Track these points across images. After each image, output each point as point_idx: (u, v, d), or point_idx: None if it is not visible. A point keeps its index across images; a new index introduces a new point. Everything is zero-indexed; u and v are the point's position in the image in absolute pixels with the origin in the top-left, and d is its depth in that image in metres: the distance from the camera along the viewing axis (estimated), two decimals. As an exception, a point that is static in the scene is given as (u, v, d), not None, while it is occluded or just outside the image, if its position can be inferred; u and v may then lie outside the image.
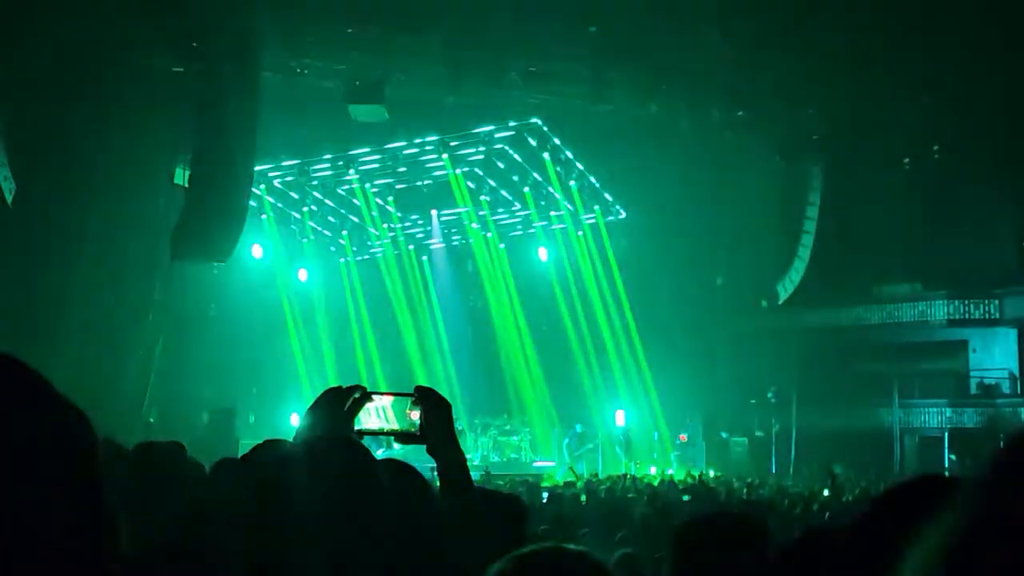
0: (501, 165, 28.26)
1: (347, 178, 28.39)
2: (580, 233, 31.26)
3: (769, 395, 27.44)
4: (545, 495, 13.19)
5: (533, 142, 26.99)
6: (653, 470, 25.74)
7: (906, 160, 24.99)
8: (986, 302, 27.98)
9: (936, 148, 25.31)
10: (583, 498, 12.99)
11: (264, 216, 28.23)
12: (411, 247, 33.48)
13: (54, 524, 0.95)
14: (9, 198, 18.59)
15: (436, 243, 32.60)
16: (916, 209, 26.69)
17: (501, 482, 16.05)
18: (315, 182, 28.63)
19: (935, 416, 27.92)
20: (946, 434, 27.34)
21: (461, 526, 2.49)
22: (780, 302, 26.93)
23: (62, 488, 0.97)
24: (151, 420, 23.85)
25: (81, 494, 0.99)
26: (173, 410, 22.63)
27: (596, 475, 21.55)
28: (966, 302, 28.11)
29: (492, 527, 2.60)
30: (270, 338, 28.44)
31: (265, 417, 27.34)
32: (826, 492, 15.74)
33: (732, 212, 30.00)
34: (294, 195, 29.07)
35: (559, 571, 1.59)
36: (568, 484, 17.71)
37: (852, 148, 24.12)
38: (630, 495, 13.10)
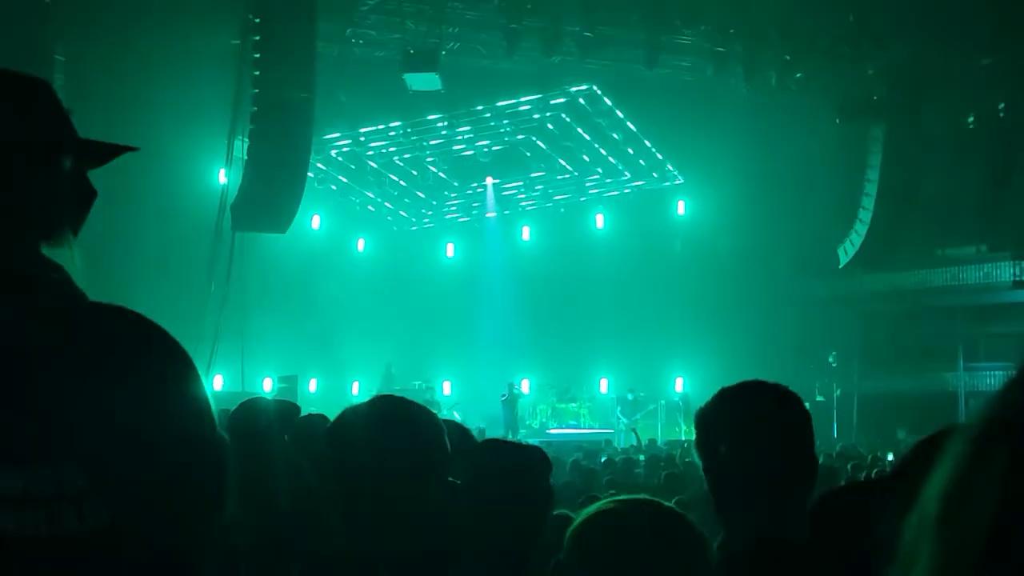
0: (557, 132, 28.20)
1: (403, 147, 28.51)
2: (637, 199, 31.15)
3: (830, 359, 27.18)
4: (604, 459, 13.23)
5: (589, 108, 26.88)
6: None
7: (970, 119, 24.47)
8: (1052, 263, 27.47)
9: (1001, 106, 24.75)
10: (640, 458, 13.00)
11: (323, 187, 28.45)
12: (467, 216, 33.60)
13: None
14: (72, 172, 18.91)
15: (492, 211, 32.66)
16: (981, 169, 26.18)
17: (553, 451, 16.06)
18: (371, 152, 28.77)
19: (1001, 379, 27.35)
20: (1012, 397, 26.89)
21: (482, 475, 2.53)
22: (841, 265, 26.58)
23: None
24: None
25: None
26: (237, 378, 23.00)
27: (655, 441, 21.57)
28: (1032, 263, 27.62)
29: (514, 477, 2.62)
30: (330, 307, 28.70)
31: (327, 385, 27.72)
32: (890, 457, 15.59)
33: (792, 175, 29.66)
34: (351, 165, 29.24)
35: (656, 518, 1.60)
36: (632, 449, 17.77)
37: (914, 107, 23.67)
38: (687, 460, 13.08)
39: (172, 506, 0.97)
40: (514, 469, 2.61)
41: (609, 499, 1.66)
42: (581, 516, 1.62)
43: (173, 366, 1.12)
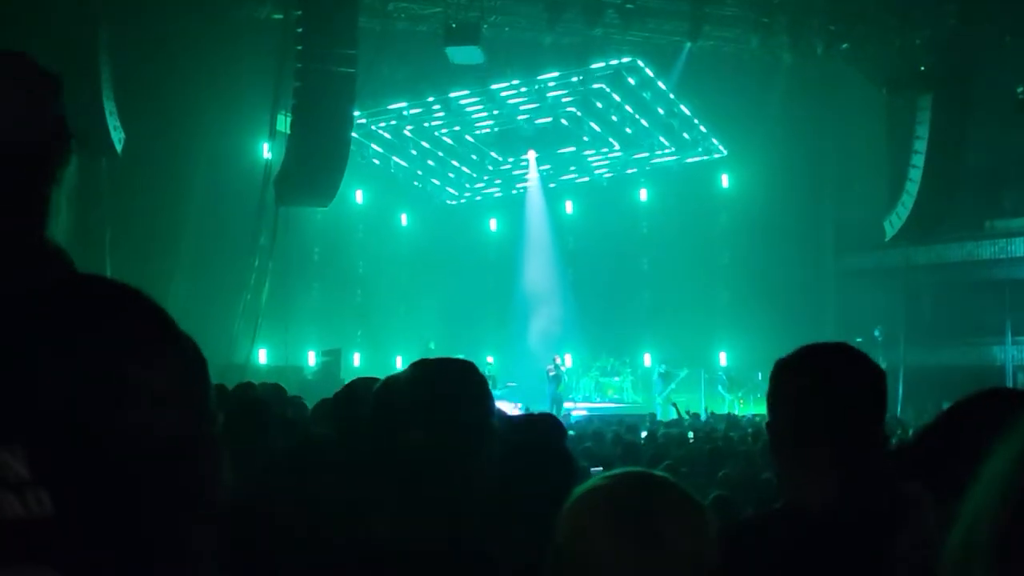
0: (600, 105, 28.04)
1: (446, 121, 28.48)
2: (681, 172, 30.91)
3: (876, 333, 26.84)
4: (645, 432, 13.23)
5: (632, 81, 26.69)
6: None
7: (1019, 89, 24.00)
8: (1104, 236, 26.98)
9: (1052, 75, 24.29)
10: (690, 435, 12.96)
11: (365, 161, 28.49)
12: (510, 190, 33.54)
13: (168, 447, 0.96)
14: (119, 147, 19.06)
15: (534, 184, 32.55)
16: (1030, 140, 25.75)
17: (596, 425, 16.05)
18: (414, 126, 28.76)
19: (1050, 354, 27.13)
20: (1061, 372, 26.58)
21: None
22: (888, 238, 26.24)
23: (177, 414, 0.98)
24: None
25: (192, 424, 1.00)
26: (281, 352, 23.21)
27: (697, 414, 21.50)
28: (1083, 236, 27.14)
29: (526, 449, 2.61)
30: (373, 282, 28.85)
31: (371, 359, 27.87)
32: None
33: (837, 148, 29.32)
34: (394, 140, 29.25)
35: (648, 491, 1.59)
36: (671, 423, 17.73)
37: (962, 78, 23.26)
38: (731, 434, 13.05)
39: (127, 505, 0.92)
40: (523, 440, 2.60)
41: (600, 475, 1.65)
42: (572, 496, 1.61)
43: (151, 347, 1.01)
